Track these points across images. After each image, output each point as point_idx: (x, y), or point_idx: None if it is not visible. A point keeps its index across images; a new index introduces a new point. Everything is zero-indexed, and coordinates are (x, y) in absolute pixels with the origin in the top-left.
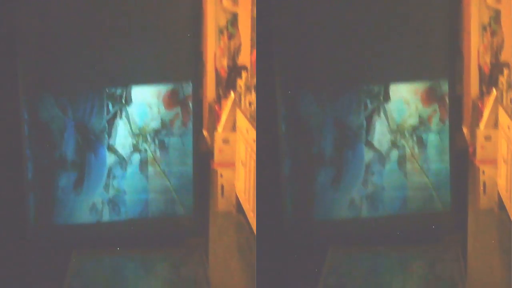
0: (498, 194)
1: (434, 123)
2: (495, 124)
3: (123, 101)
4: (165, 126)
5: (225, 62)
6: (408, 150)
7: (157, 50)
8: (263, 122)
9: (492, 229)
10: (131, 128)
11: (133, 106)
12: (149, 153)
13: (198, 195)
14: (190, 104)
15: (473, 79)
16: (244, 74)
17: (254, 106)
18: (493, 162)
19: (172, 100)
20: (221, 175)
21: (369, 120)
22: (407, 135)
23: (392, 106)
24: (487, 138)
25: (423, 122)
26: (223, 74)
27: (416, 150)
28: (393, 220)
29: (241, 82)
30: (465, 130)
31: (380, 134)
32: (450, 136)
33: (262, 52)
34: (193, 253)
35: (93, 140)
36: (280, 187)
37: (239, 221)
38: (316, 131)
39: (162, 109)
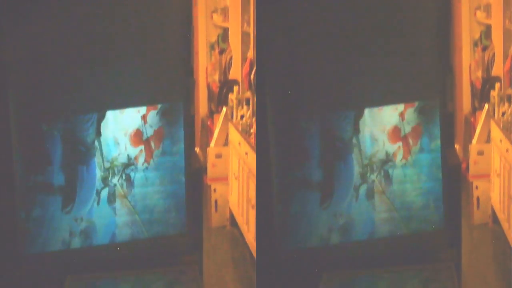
0: (492, 208)
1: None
2: (488, 138)
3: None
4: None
5: (216, 77)
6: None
7: (146, 69)
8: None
9: (486, 244)
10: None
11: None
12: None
13: (191, 211)
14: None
15: (465, 94)
16: (235, 88)
17: (246, 119)
18: (486, 176)
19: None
20: (215, 190)
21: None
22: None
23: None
24: (480, 153)
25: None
26: (215, 89)
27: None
28: (386, 242)
29: (232, 96)
30: (457, 146)
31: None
32: (442, 154)
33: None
34: (188, 270)
35: (83, 152)
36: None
37: (234, 235)
38: (308, 149)
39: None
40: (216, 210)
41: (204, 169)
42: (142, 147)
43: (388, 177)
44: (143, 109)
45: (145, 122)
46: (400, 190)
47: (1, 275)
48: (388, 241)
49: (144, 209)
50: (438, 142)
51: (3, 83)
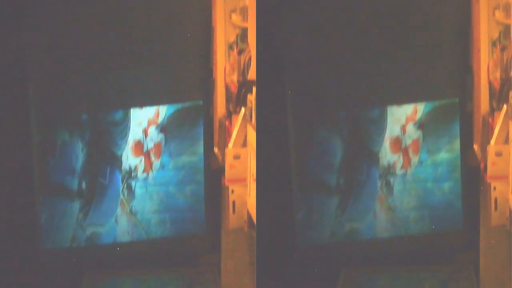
0: (510, 210)
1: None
2: (506, 139)
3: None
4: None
5: (235, 77)
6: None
7: (166, 68)
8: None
9: (504, 245)
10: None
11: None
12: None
13: (210, 212)
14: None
15: (483, 95)
16: (254, 88)
17: None
18: (504, 178)
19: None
20: (233, 191)
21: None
22: None
23: None
24: (498, 154)
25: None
26: (233, 89)
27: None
28: (406, 240)
29: (251, 97)
30: (476, 147)
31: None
32: (461, 154)
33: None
34: (206, 271)
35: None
36: (291, 204)
37: (251, 237)
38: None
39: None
40: (234, 212)
41: (223, 170)
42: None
43: (404, 176)
44: (145, 122)
45: (146, 135)
46: (420, 189)
47: (20, 270)
48: (407, 240)
49: (163, 208)
50: (457, 142)
51: (24, 86)
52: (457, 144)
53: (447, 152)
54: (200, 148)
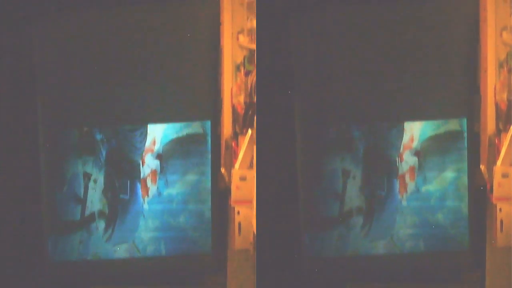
0: None
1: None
2: None
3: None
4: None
5: (241, 98)
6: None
7: (174, 87)
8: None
9: (509, 267)
10: None
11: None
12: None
13: (216, 232)
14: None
15: (490, 116)
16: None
17: None
18: (511, 199)
19: None
20: (238, 213)
21: None
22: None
23: None
24: (504, 175)
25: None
26: (240, 110)
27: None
28: (411, 258)
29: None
30: (482, 167)
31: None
32: (469, 174)
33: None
34: None
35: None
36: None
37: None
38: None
39: None
40: (239, 233)
41: (229, 191)
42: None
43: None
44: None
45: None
46: (425, 207)
47: (26, 282)
48: (412, 258)
49: (170, 227)
50: (464, 163)
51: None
52: (464, 164)
53: (454, 172)
54: (207, 167)
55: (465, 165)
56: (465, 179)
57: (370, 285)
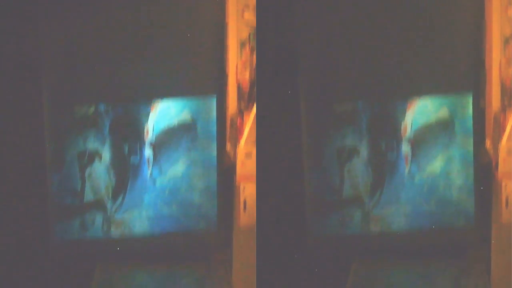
0: None
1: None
2: None
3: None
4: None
5: (247, 75)
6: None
7: (179, 63)
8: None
9: None
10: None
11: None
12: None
13: (222, 209)
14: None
15: (495, 92)
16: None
17: None
18: None
19: None
20: (244, 189)
21: None
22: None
23: None
24: (509, 152)
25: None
26: (245, 87)
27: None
28: (419, 235)
29: None
30: (487, 144)
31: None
32: (474, 151)
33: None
34: (218, 268)
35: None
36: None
37: None
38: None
39: None
40: (245, 210)
41: (234, 167)
42: None
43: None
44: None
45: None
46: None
47: (31, 261)
48: (419, 234)
49: (176, 203)
50: (470, 138)
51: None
52: (469, 140)
53: (460, 148)
54: (213, 143)
55: (470, 141)
56: (470, 156)
57: (376, 263)
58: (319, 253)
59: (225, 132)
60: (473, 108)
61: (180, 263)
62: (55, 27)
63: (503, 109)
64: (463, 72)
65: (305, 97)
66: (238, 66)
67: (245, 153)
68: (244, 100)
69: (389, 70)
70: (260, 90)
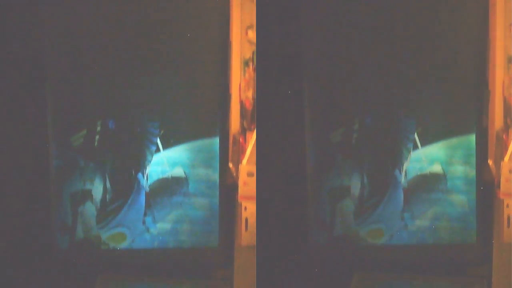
0: None
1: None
2: None
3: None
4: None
5: (250, 94)
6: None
7: (183, 83)
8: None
9: None
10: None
11: None
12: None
13: (224, 227)
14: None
15: (498, 111)
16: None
17: None
18: None
19: None
20: (245, 208)
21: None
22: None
23: None
24: None
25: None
26: (248, 106)
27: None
28: (420, 249)
29: None
30: (490, 162)
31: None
32: (477, 169)
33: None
34: (219, 285)
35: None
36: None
37: None
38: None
39: None
40: (246, 229)
41: (237, 186)
42: None
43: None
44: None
45: None
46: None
47: (34, 269)
48: (422, 249)
49: (178, 220)
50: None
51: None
52: (472, 158)
53: (463, 166)
54: (216, 162)
55: (473, 160)
56: (473, 173)
57: (377, 275)
58: (319, 271)
59: (227, 151)
60: (476, 126)
61: (183, 279)
62: (59, 40)
63: (506, 128)
64: (466, 92)
65: (309, 120)
66: (242, 85)
67: (247, 172)
68: (247, 119)
69: (391, 87)
70: (261, 111)
